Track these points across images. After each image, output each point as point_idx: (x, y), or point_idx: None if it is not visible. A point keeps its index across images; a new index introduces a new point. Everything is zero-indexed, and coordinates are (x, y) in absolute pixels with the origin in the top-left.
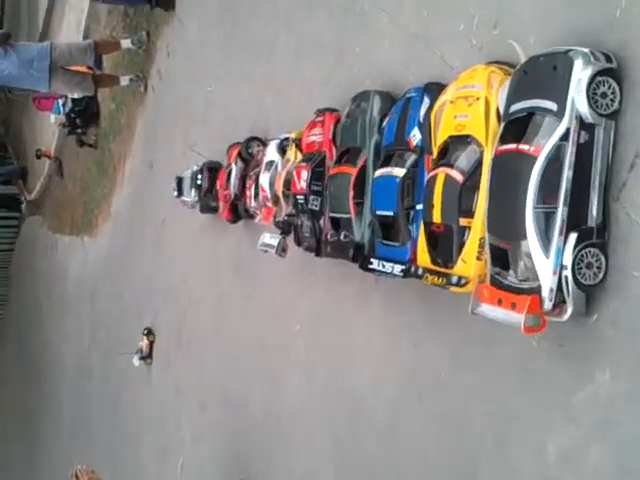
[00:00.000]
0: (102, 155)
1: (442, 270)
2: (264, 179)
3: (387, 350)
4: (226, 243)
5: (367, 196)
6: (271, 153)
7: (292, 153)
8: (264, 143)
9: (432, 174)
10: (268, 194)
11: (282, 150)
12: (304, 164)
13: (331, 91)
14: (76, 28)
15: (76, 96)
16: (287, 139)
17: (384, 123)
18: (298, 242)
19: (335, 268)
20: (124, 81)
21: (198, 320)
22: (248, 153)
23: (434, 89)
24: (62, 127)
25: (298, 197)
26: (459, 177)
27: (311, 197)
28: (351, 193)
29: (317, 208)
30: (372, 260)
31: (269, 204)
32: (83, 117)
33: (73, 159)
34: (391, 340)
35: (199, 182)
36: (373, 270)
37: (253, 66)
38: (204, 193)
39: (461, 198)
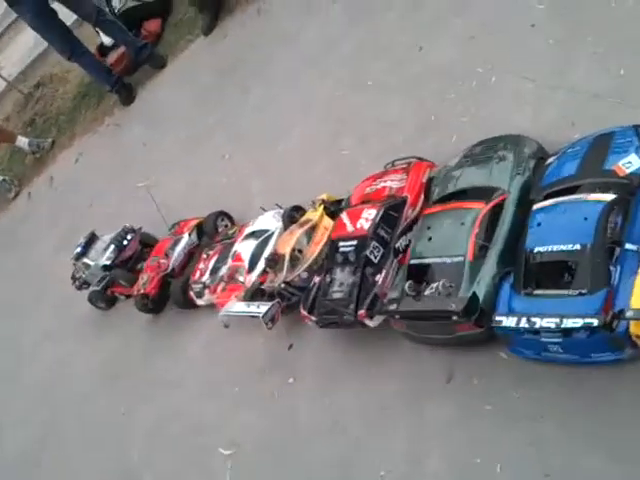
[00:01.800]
0: None
1: None
2: (245, 246)
3: None
4: (99, 345)
5: (496, 242)
6: (264, 222)
7: (317, 214)
8: (232, 221)
9: None
10: (246, 264)
11: (289, 218)
12: (368, 204)
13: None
14: None
15: None
16: (296, 208)
17: (549, 162)
18: (310, 308)
19: (336, 358)
20: None
21: None
22: (214, 227)
23: None
24: None
25: (342, 244)
26: None
27: (372, 243)
28: (474, 230)
29: (376, 260)
30: (499, 318)
31: (240, 278)
32: None
33: None
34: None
35: (125, 242)
36: (503, 329)
37: (245, 153)
38: (123, 260)
39: None
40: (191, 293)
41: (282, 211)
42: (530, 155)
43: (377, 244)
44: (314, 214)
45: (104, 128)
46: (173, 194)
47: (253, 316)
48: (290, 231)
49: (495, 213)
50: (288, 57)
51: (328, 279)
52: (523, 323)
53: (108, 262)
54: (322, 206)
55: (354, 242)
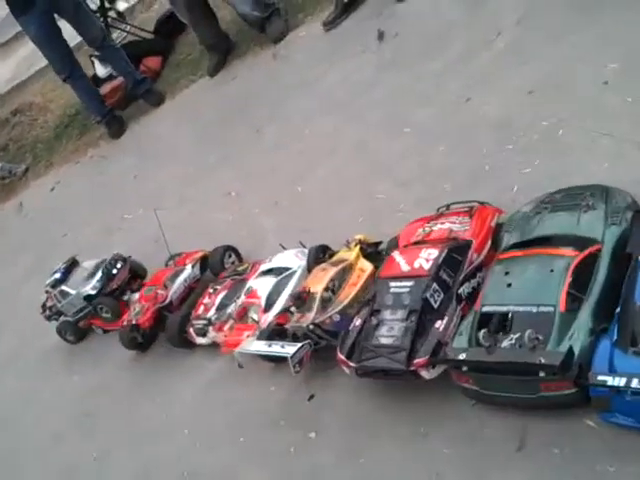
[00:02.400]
0: None
1: None
2: (261, 283)
3: None
4: (70, 381)
5: (590, 293)
6: (284, 260)
7: (352, 254)
8: (240, 257)
9: None
10: (262, 301)
11: (315, 258)
12: (427, 245)
13: None
14: None
15: None
16: (323, 248)
17: None
18: (348, 354)
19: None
20: None
21: None
22: (221, 262)
23: None
24: None
25: (393, 284)
26: None
27: (433, 286)
28: (567, 279)
29: (436, 304)
30: (602, 377)
31: (254, 316)
32: None
33: None
34: None
35: (115, 271)
36: (610, 389)
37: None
38: (110, 291)
39: None
40: (191, 330)
41: (306, 250)
42: (626, 207)
43: (438, 287)
44: (349, 254)
45: (87, 159)
46: (168, 228)
47: (274, 358)
48: (322, 269)
49: (586, 264)
50: (308, 101)
51: (374, 322)
52: (635, 384)
53: (93, 292)
54: (358, 246)
55: (410, 283)
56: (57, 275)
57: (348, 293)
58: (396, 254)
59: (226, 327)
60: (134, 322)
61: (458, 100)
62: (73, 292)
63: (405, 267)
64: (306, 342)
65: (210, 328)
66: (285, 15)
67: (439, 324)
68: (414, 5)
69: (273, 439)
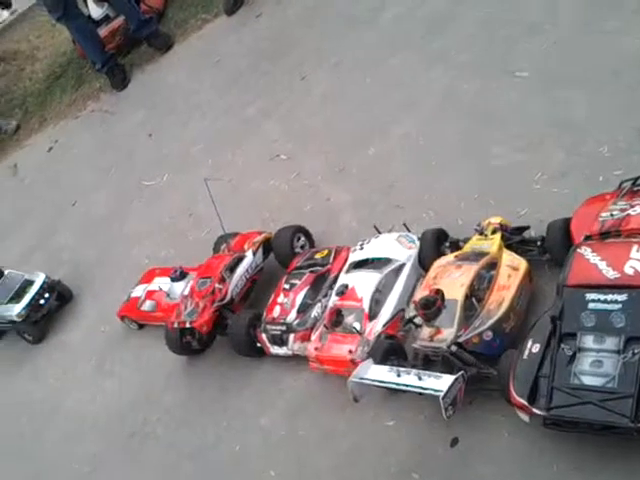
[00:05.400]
0: None
1: None
2: (359, 279)
3: None
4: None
5: None
6: (383, 248)
7: (492, 243)
8: (311, 241)
9: None
10: (365, 305)
11: (434, 248)
12: (631, 240)
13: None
14: None
15: None
16: (441, 233)
17: None
18: (530, 394)
19: None
20: None
21: None
22: (291, 247)
23: None
24: None
25: (593, 297)
26: None
27: None
28: None
29: None
30: None
31: (356, 325)
32: None
33: None
34: None
35: (42, 302)
36: None
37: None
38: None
39: None
40: (263, 336)
41: (413, 235)
42: None
43: None
44: (486, 244)
45: (87, 115)
46: (204, 202)
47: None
48: (455, 265)
49: None
50: (363, 41)
51: (568, 351)
52: None
53: (19, 319)
54: (499, 235)
55: (622, 297)
56: None
57: (499, 301)
58: (587, 252)
59: (314, 337)
60: (188, 324)
61: (585, 27)
62: None
63: (610, 272)
64: (459, 374)
65: (291, 336)
66: None
67: None
68: None
69: None
